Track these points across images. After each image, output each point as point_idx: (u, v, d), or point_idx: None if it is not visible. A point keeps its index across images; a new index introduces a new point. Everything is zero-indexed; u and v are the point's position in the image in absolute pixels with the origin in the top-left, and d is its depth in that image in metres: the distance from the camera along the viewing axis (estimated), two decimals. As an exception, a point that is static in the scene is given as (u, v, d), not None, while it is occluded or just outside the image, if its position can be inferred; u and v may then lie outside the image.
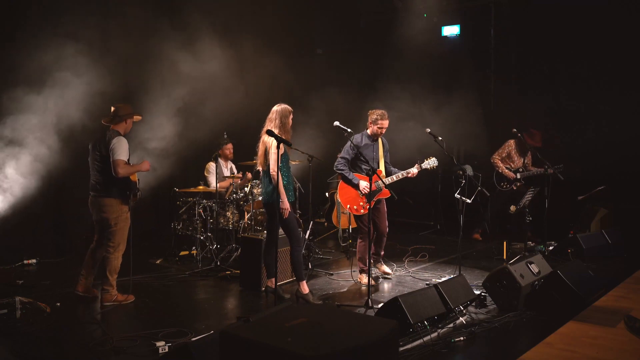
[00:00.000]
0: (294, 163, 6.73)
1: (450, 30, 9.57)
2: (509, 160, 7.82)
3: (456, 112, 8.39)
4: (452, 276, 5.41)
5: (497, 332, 4.33)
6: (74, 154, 6.10)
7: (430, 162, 5.76)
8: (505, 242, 6.84)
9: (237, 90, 7.67)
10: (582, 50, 8.19)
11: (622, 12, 7.76)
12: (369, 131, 5.76)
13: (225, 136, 7.21)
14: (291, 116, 5.03)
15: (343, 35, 10.19)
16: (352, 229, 7.43)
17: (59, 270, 6.09)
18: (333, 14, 9.81)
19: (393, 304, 4.11)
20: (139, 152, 6.19)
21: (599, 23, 7.84)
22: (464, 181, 5.57)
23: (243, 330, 2.81)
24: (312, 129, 7.97)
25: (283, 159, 4.93)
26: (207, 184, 7.06)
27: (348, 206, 5.69)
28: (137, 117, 5.19)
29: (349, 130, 5.32)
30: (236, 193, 6.83)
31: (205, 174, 7.20)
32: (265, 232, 5.49)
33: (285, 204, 4.88)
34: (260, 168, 5.10)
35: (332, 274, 6.16)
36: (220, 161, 7.18)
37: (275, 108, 5.01)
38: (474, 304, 4.84)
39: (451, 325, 4.42)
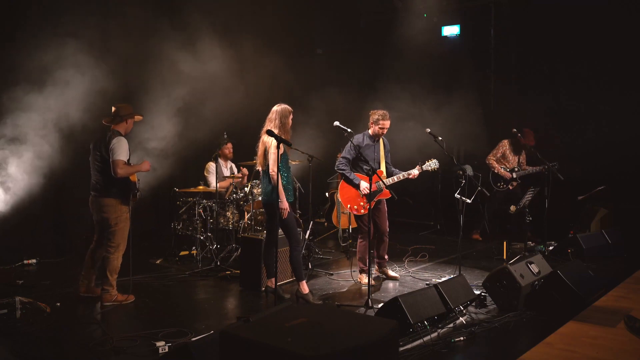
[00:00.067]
0: (294, 163, 6.73)
1: (450, 30, 9.57)
2: (504, 160, 7.83)
3: (456, 112, 8.39)
4: (452, 276, 5.40)
5: (497, 332, 4.33)
6: (74, 154, 6.11)
7: (432, 164, 5.75)
8: (505, 242, 6.84)
9: (237, 90, 7.66)
10: (582, 50, 8.19)
11: (622, 12, 7.76)
12: (370, 131, 5.76)
13: (225, 136, 7.20)
14: (291, 116, 5.03)
15: (343, 35, 10.18)
16: (352, 229, 7.43)
17: (59, 270, 6.09)
18: (333, 14, 9.80)
19: (393, 304, 4.11)
20: (139, 152, 6.18)
21: (599, 23, 7.84)
22: (464, 181, 5.57)
23: (243, 330, 2.81)
24: (312, 129, 7.96)
25: (283, 159, 4.92)
26: (207, 184, 7.05)
27: (348, 206, 5.69)
28: (138, 117, 5.19)
29: (349, 130, 5.31)
30: (236, 193, 6.83)
31: (205, 174, 7.20)
32: (265, 232, 5.49)
33: (285, 204, 4.88)
34: (259, 168, 5.10)
35: (332, 274, 6.16)
36: (220, 161, 7.18)
37: (275, 108, 5.01)
38: (474, 304, 4.84)
39: (451, 325, 4.42)
